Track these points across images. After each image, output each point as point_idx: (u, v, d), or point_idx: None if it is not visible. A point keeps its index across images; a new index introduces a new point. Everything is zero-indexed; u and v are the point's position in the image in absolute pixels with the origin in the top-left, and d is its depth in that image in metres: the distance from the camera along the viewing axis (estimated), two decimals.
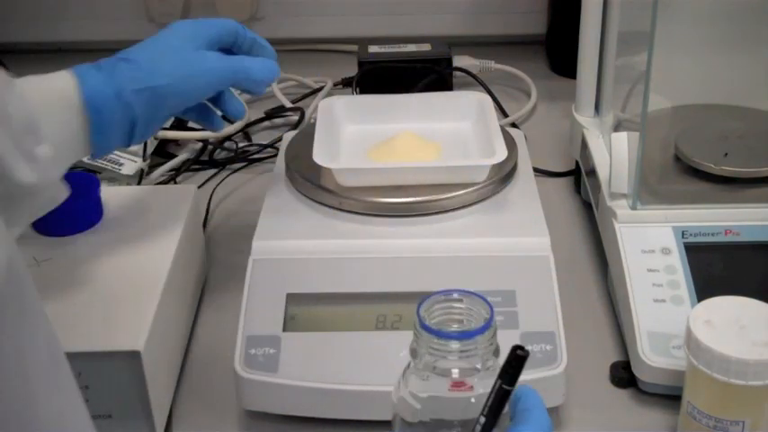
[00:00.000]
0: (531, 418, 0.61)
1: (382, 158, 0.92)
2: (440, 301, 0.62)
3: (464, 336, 0.60)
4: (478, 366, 0.60)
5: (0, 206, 0.65)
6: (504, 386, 0.58)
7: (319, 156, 0.88)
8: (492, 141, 0.90)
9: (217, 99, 0.86)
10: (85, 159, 1.09)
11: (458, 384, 0.60)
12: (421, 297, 0.62)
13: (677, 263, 0.84)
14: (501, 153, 0.88)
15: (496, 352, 0.61)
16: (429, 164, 0.91)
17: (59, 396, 0.49)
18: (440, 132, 0.98)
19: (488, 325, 0.60)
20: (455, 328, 0.62)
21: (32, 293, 0.48)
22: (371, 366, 0.76)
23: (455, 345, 0.59)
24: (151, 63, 0.78)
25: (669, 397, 0.79)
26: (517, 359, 0.58)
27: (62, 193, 0.71)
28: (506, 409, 0.60)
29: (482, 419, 0.58)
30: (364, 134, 0.98)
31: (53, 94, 0.73)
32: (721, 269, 0.84)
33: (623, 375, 0.82)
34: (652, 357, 0.79)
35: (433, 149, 0.94)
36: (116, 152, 1.11)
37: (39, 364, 0.47)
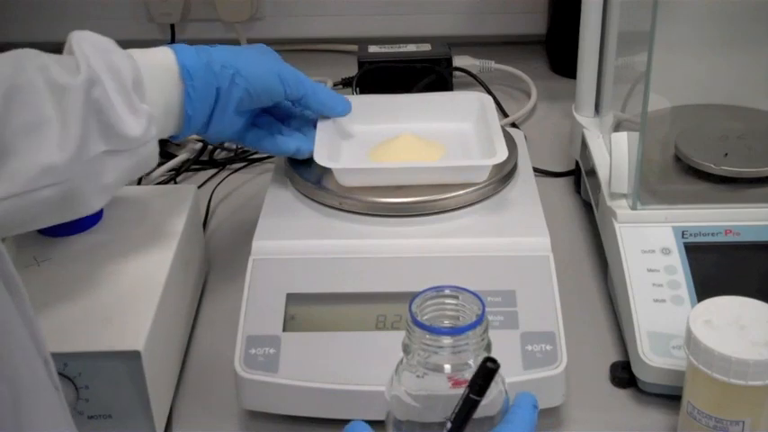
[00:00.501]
0: (513, 418, 0.62)
1: (384, 159, 0.92)
2: (432, 298, 0.63)
3: (456, 331, 0.60)
4: (470, 362, 0.60)
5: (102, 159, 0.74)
6: (472, 396, 0.59)
7: (320, 156, 0.88)
8: (493, 141, 0.90)
9: (301, 102, 0.92)
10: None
11: (458, 382, 0.60)
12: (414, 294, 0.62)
13: (677, 263, 0.84)
14: (502, 153, 0.87)
15: (488, 348, 0.61)
16: (430, 164, 0.90)
17: (40, 419, 0.48)
18: (441, 132, 0.97)
19: (480, 321, 0.60)
20: (447, 324, 0.62)
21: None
22: (371, 366, 0.76)
23: (447, 340, 0.60)
24: (235, 51, 0.86)
25: (669, 397, 0.79)
26: (486, 372, 0.58)
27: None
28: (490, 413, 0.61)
29: (448, 425, 0.59)
30: (366, 134, 0.97)
31: (155, 60, 0.81)
32: (721, 269, 0.84)
33: (623, 375, 0.82)
34: (652, 357, 0.79)
35: (435, 150, 0.93)
36: None
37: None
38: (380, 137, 0.96)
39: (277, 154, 0.94)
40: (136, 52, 0.80)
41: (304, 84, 0.90)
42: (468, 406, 0.58)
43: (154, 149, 0.79)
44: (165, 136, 0.83)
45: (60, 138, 0.71)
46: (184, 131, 0.84)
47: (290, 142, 0.91)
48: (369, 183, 0.88)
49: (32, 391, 0.47)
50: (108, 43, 0.78)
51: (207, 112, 0.84)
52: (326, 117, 0.95)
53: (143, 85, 0.78)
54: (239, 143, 1.02)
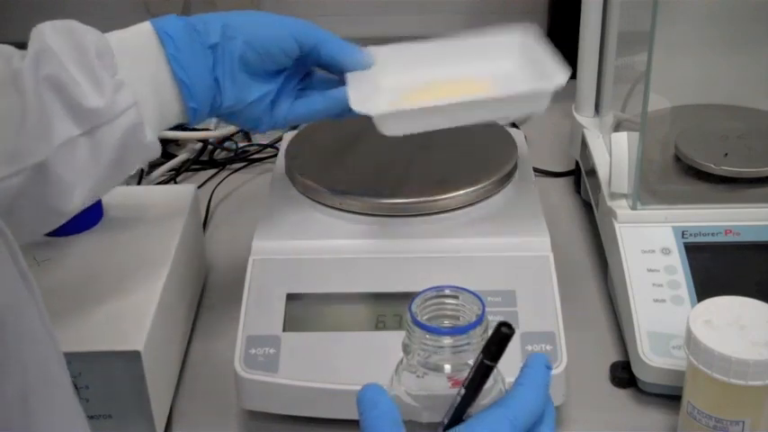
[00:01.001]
0: (524, 380, 0.60)
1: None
2: (432, 298, 0.63)
3: (456, 331, 0.60)
4: (470, 362, 0.60)
5: (84, 145, 0.68)
6: (486, 362, 0.57)
7: (356, 102, 0.78)
8: (545, 66, 0.80)
9: (317, 57, 0.82)
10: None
11: (458, 382, 0.60)
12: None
13: (677, 263, 0.84)
14: (560, 75, 0.77)
15: None
16: (482, 96, 0.79)
17: (54, 416, 0.48)
18: (485, 73, 0.85)
19: (480, 321, 0.60)
20: (447, 324, 0.62)
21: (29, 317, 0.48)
22: (371, 366, 0.75)
23: (447, 340, 0.59)
24: (227, 13, 0.79)
25: (669, 397, 0.79)
26: (501, 337, 0.56)
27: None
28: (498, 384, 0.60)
29: (462, 391, 0.58)
30: (398, 85, 0.84)
31: (129, 31, 0.76)
32: (721, 269, 0.84)
33: (623, 375, 0.82)
34: (652, 357, 0.79)
35: (480, 85, 0.82)
36: None
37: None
38: (414, 85, 0.85)
39: (334, 112, 0.82)
40: (112, 33, 0.76)
41: (315, 31, 0.81)
42: (481, 372, 0.57)
43: (135, 121, 0.72)
44: (174, 116, 0.76)
45: (20, 122, 0.67)
46: (196, 106, 0.76)
47: (340, 93, 0.81)
48: (416, 128, 0.78)
49: (47, 390, 0.47)
50: (71, 23, 0.74)
51: (208, 79, 0.76)
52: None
53: (111, 56, 0.72)
54: (291, 120, 0.84)
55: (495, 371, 0.58)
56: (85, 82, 0.69)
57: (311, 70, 0.84)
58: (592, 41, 1.02)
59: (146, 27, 0.76)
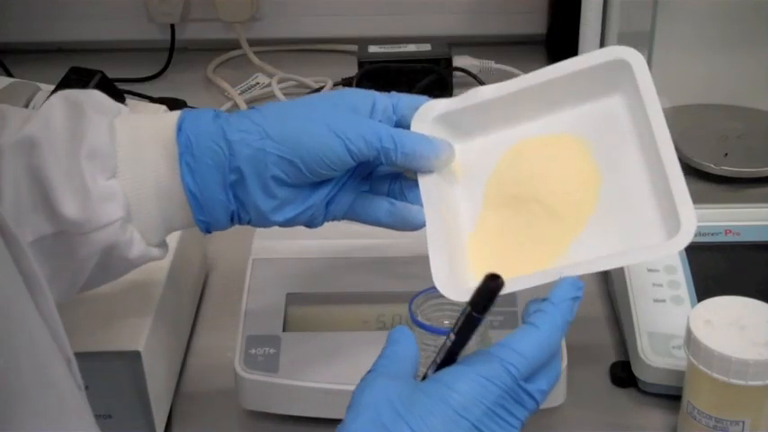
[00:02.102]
0: (540, 320, 0.57)
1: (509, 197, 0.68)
2: (432, 298, 0.62)
3: None
4: None
5: (50, 252, 0.60)
6: (475, 314, 0.55)
7: (442, 284, 0.63)
8: (669, 190, 0.64)
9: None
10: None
11: None
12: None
13: (677, 263, 0.84)
14: (689, 222, 0.62)
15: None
16: (597, 263, 0.63)
17: (44, 420, 0.47)
18: (576, 124, 0.69)
19: (480, 321, 0.60)
20: (447, 324, 0.62)
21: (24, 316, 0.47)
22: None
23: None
24: (269, 114, 0.66)
25: (669, 397, 0.79)
26: (489, 290, 0.55)
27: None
28: None
29: (452, 336, 0.57)
30: (476, 161, 0.70)
31: (148, 121, 0.66)
32: (721, 269, 0.84)
33: (623, 375, 0.82)
34: (652, 357, 0.79)
35: (586, 172, 0.67)
36: None
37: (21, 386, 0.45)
38: (493, 157, 0.70)
39: (401, 229, 0.71)
40: (141, 120, 0.66)
41: (377, 138, 0.65)
42: (468, 323, 0.56)
43: (117, 238, 0.62)
44: (181, 225, 0.68)
45: None
46: (208, 221, 0.67)
47: (412, 212, 0.69)
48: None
49: (41, 393, 0.47)
50: (86, 101, 0.65)
51: (225, 196, 0.65)
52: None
53: (110, 156, 0.62)
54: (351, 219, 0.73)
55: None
56: (66, 186, 0.60)
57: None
58: (592, 41, 1.01)
59: (170, 120, 0.65)
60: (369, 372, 0.58)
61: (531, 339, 0.56)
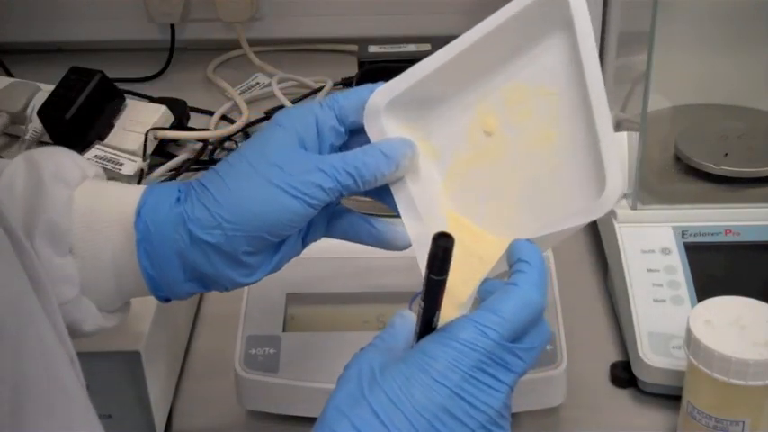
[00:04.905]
0: (519, 279, 0.56)
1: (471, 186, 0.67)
2: None
3: None
4: None
5: None
6: (433, 276, 0.54)
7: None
8: (598, 151, 0.61)
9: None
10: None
11: None
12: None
13: (677, 263, 0.84)
14: (615, 182, 0.60)
15: None
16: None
17: (55, 421, 0.47)
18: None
19: None
20: None
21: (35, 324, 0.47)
22: None
23: None
24: (221, 195, 0.63)
25: (669, 397, 0.79)
26: (442, 249, 0.53)
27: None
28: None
29: (422, 303, 0.56)
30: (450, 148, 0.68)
31: (108, 197, 0.64)
32: (721, 269, 0.84)
33: (623, 375, 0.82)
34: (652, 357, 0.79)
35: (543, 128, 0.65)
36: (116, 152, 1.11)
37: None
38: (456, 125, 0.68)
39: (384, 247, 0.70)
40: (93, 186, 0.64)
41: (336, 177, 0.63)
42: (431, 287, 0.55)
43: (66, 319, 0.58)
44: (140, 295, 0.66)
45: None
46: (167, 296, 0.66)
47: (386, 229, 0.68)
48: None
49: (50, 395, 0.47)
50: (54, 163, 0.63)
51: (182, 275, 0.64)
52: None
53: (65, 234, 0.61)
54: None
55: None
56: None
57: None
58: None
59: (130, 200, 0.63)
60: (361, 348, 0.58)
61: (509, 299, 0.56)
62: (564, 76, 0.64)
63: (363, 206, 0.87)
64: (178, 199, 0.63)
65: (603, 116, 0.61)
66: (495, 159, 0.66)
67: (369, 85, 0.67)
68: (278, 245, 0.66)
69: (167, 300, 0.67)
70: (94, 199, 0.64)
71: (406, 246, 0.67)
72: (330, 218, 0.69)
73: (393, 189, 0.67)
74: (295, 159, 0.63)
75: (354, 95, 0.66)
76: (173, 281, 0.64)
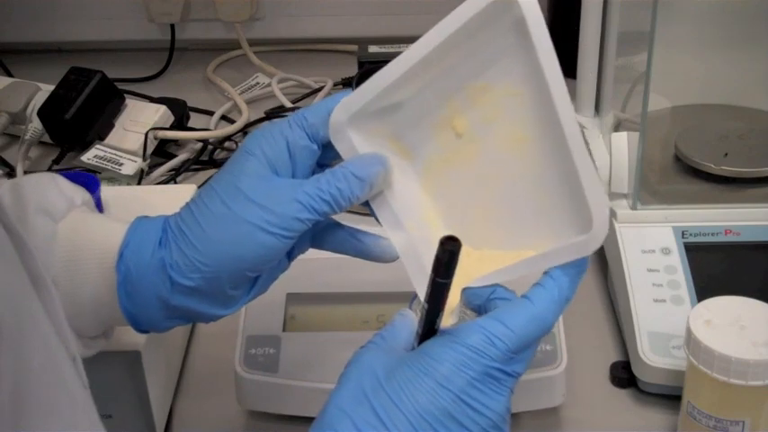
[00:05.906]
0: (536, 295, 0.56)
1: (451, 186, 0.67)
2: None
3: None
4: None
5: None
6: (438, 280, 0.55)
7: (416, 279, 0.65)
8: (570, 159, 0.59)
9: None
10: (85, 159, 1.09)
11: None
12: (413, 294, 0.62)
13: (677, 263, 0.84)
14: (600, 216, 0.60)
15: None
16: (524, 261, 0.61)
17: (55, 420, 0.47)
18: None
19: None
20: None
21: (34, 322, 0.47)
22: None
23: None
24: (198, 240, 0.62)
25: (669, 397, 0.79)
26: (447, 253, 0.54)
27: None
28: None
29: (425, 306, 0.57)
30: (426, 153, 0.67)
31: (90, 249, 0.63)
32: (721, 269, 0.84)
33: (623, 375, 0.82)
34: (652, 357, 0.79)
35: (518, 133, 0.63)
36: (116, 152, 1.11)
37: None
38: (425, 128, 0.67)
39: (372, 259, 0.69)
40: (77, 220, 0.63)
41: (312, 206, 0.62)
42: (436, 290, 0.55)
43: None
44: (110, 326, 0.67)
45: None
46: (147, 330, 0.65)
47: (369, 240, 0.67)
48: None
49: (52, 394, 0.47)
50: (39, 193, 0.63)
51: (161, 313, 0.63)
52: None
53: (48, 269, 0.59)
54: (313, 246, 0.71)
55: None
56: None
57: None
58: (592, 41, 1.01)
59: (113, 240, 0.63)
60: (361, 346, 0.58)
61: (521, 314, 0.56)
62: (525, 76, 0.62)
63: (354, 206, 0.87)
64: (161, 241, 0.62)
65: (569, 121, 0.59)
66: (468, 163, 0.65)
67: (335, 96, 0.65)
68: (257, 277, 0.65)
69: (147, 332, 0.66)
70: (78, 234, 0.63)
71: (394, 258, 0.67)
72: (315, 233, 0.67)
73: (372, 205, 0.66)
74: (269, 191, 0.62)
75: (322, 109, 0.65)
76: (154, 319, 0.64)
